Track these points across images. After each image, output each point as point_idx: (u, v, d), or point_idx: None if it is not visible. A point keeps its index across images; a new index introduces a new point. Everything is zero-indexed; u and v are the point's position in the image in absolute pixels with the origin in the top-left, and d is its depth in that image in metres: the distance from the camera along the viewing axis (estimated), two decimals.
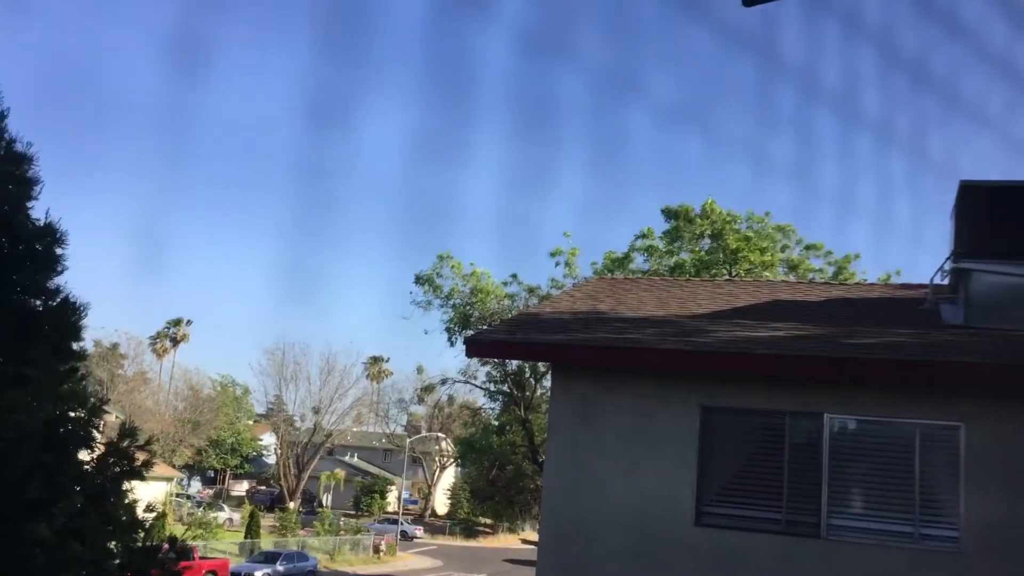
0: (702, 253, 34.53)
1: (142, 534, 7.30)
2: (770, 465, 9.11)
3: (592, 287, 14.07)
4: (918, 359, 8.84)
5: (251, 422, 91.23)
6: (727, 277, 29.25)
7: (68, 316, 6.92)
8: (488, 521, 77.63)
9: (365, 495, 78.94)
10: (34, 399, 6.41)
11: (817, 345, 9.62)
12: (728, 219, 34.38)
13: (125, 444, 7.12)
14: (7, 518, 5.93)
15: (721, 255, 33.60)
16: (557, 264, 38.98)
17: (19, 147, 6.69)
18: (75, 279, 7.11)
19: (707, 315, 11.21)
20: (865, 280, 32.87)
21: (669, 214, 35.80)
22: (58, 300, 6.81)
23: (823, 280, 30.91)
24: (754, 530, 8.96)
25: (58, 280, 6.87)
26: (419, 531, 70.70)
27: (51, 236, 6.74)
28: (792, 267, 34.48)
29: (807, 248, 35.82)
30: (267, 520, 59.28)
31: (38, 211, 6.79)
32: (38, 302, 6.85)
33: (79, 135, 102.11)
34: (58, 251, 6.79)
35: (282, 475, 75.78)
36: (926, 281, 11.77)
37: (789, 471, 8.97)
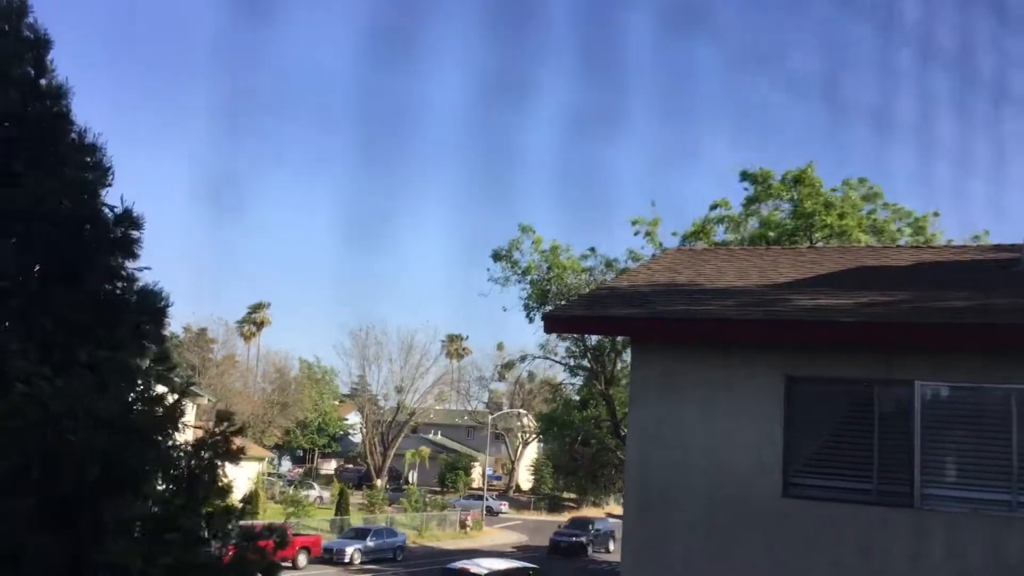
0: (781, 218, 33.65)
1: (236, 519, 7.45)
2: (859, 434, 8.92)
3: (670, 259, 13.92)
4: (1013, 323, 8.53)
5: (337, 402, 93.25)
6: (809, 245, 28.55)
7: (151, 301, 7.06)
8: (573, 496, 77.95)
9: (450, 472, 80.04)
10: (116, 383, 6.54)
11: (906, 311, 9.36)
12: (810, 183, 33.34)
13: (221, 429, 7.29)
14: (83, 498, 6.10)
15: (800, 221, 32.74)
16: (636, 233, 38.58)
17: (89, 137, 6.89)
18: (162, 264, 7.28)
19: (790, 284, 10.99)
20: (952, 242, 31.76)
21: (747, 177, 34.87)
22: (139, 285, 6.98)
23: (910, 244, 29.94)
24: (844, 500, 8.80)
25: (138, 264, 7.02)
26: (504, 506, 71.43)
27: (129, 221, 6.91)
28: (878, 231, 33.27)
29: (884, 207, 34.43)
30: (355, 497, 60.58)
31: (112, 198, 6.96)
32: (120, 286, 7.01)
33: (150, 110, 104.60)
34: (135, 235, 6.95)
35: (368, 453, 77.34)
36: (1020, 241, 11.32)
37: (879, 440, 8.77)
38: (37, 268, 6.31)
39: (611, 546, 48.41)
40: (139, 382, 6.87)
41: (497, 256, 41.57)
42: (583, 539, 47.94)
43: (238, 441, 7.42)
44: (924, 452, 8.55)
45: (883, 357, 8.83)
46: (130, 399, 6.70)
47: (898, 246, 22.89)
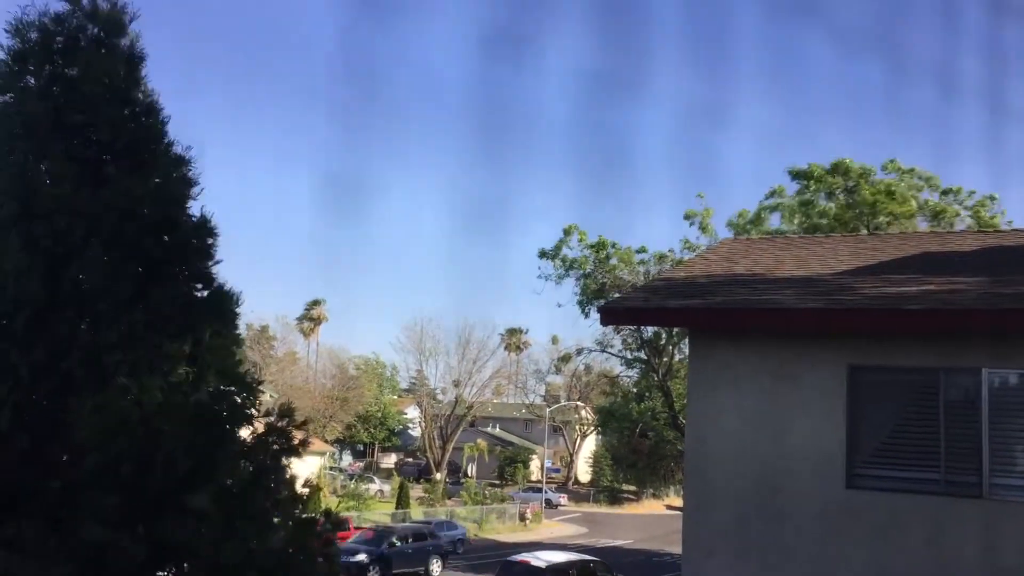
0: (839, 206, 32.95)
1: (301, 508, 7.67)
2: (925, 424, 8.75)
3: (727, 249, 13.79)
4: None
5: (396, 397, 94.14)
6: (867, 232, 27.97)
7: (225, 303, 7.33)
8: (632, 488, 77.71)
9: (508, 465, 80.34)
10: (197, 378, 6.81)
11: (972, 297, 9.15)
12: (862, 172, 32.61)
13: (284, 423, 7.47)
14: (170, 490, 6.30)
15: (857, 210, 32.03)
16: (691, 225, 38.35)
17: (178, 149, 7.15)
18: (230, 264, 7.57)
19: (850, 272, 10.81)
20: (1012, 223, 30.80)
21: (796, 175, 34.18)
22: (214, 287, 7.22)
23: (975, 229, 29.16)
24: (911, 491, 8.65)
25: (214, 269, 7.30)
26: (563, 499, 71.47)
27: (206, 230, 7.22)
28: (935, 215, 32.41)
29: (943, 194, 33.38)
30: (415, 491, 61.16)
31: (195, 209, 7.26)
32: (198, 287, 7.28)
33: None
34: (211, 242, 7.24)
35: (427, 447, 77.98)
36: None
37: (946, 429, 8.60)
38: (126, 270, 6.55)
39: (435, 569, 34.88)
40: (219, 376, 7.08)
41: (544, 254, 41.67)
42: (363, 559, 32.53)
43: (300, 435, 7.60)
44: (992, 441, 8.36)
45: (949, 344, 8.65)
46: (214, 393, 6.92)
47: (962, 231, 22.31)
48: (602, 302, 37.35)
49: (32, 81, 6.75)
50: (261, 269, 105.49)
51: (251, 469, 7.22)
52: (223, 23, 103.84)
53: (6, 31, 6.72)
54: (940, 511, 8.48)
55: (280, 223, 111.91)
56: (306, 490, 7.94)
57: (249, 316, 75.59)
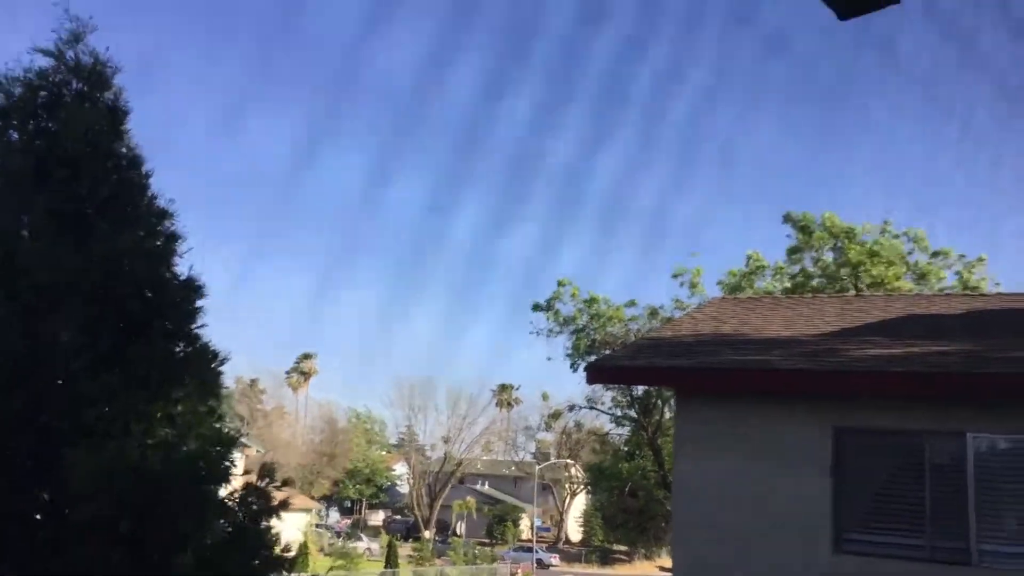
0: (826, 266, 33.18)
1: (284, 571, 7.55)
2: (910, 488, 8.67)
3: (714, 308, 13.81)
4: None
5: (384, 452, 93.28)
6: (855, 292, 28.08)
7: (208, 362, 7.29)
8: (623, 548, 76.68)
9: (498, 523, 79.32)
10: (179, 438, 6.76)
11: (957, 361, 9.15)
12: (847, 233, 32.84)
13: (264, 483, 7.39)
14: (157, 549, 6.23)
15: (844, 270, 32.23)
16: (681, 284, 38.52)
17: (160, 202, 7.15)
18: (218, 317, 7.55)
19: (836, 333, 10.83)
20: (1000, 287, 30.90)
21: (790, 221, 34.40)
22: (197, 346, 7.18)
23: (959, 291, 29.28)
24: (898, 557, 8.53)
25: (201, 329, 7.27)
26: (554, 559, 70.38)
27: (192, 289, 7.21)
28: (920, 276, 32.56)
29: (934, 255, 33.65)
30: (403, 549, 60.25)
31: (183, 264, 7.25)
32: (181, 348, 7.24)
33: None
34: (198, 303, 7.22)
35: (415, 504, 77.03)
36: None
37: (931, 494, 8.51)
38: (105, 328, 6.51)
39: None
40: (200, 437, 7.03)
41: (537, 307, 41.77)
42: None
43: (281, 495, 7.52)
44: (980, 507, 8.27)
45: (933, 408, 8.62)
46: (196, 453, 6.87)
47: (947, 294, 22.41)
48: (592, 358, 37.32)
49: (15, 136, 6.78)
50: (252, 321, 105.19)
51: (229, 529, 7.13)
52: (205, 70, 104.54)
53: None
54: None
55: (274, 276, 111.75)
56: (288, 553, 7.82)
57: (240, 368, 75.44)
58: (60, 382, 6.29)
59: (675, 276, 38.39)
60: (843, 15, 2.53)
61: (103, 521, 5.95)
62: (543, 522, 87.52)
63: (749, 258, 35.29)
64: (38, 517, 6.11)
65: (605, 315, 40.68)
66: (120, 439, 6.07)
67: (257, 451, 50.41)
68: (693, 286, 38.07)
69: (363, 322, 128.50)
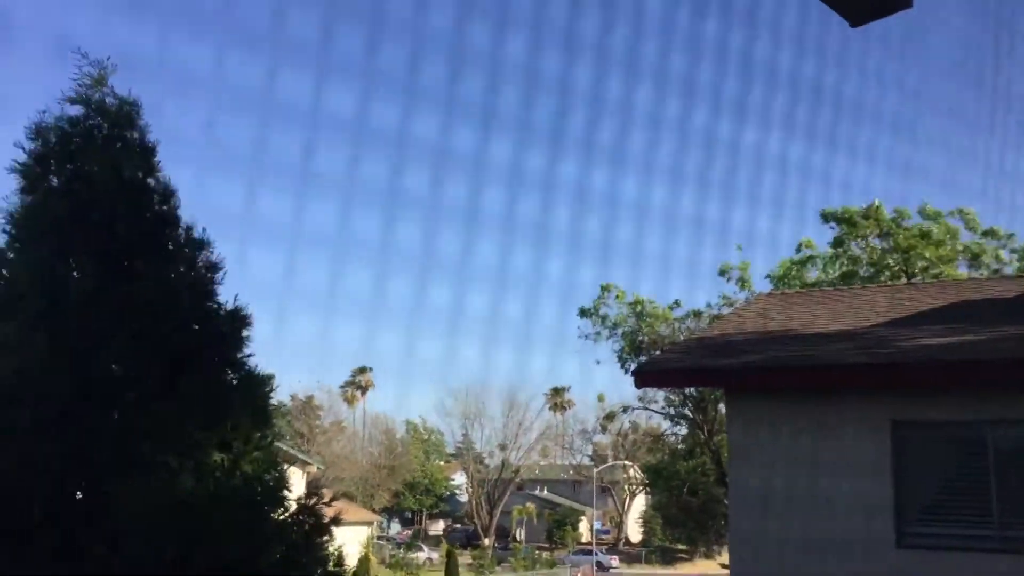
0: (874, 253, 32.39)
1: None
2: (974, 478, 8.43)
3: (761, 304, 13.59)
4: None
5: (442, 463, 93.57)
6: (906, 281, 27.42)
7: (258, 387, 7.35)
8: (684, 547, 75.97)
9: (557, 527, 79.08)
10: (233, 464, 6.81)
11: (1015, 346, 8.86)
12: (896, 216, 32.05)
13: (313, 503, 7.41)
14: (214, 572, 6.27)
15: (893, 257, 31.45)
16: (728, 280, 38.04)
17: (196, 233, 7.22)
18: (268, 338, 7.59)
19: (888, 324, 10.57)
20: None
21: (830, 218, 33.72)
22: (246, 372, 7.24)
23: (1017, 270, 28.46)
24: (965, 549, 8.29)
25: (248, 357, 7.34)
26: (615, 560, 69.94)
27: (237, 318, 7.28)
28: (974, 256, 31.54)
29: (984, 235, 32.37)
30: (464, 557, 60.30)
31: (227, 292, 7.33)
32: (230, 375, 7.31)
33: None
34: (244, 333, 7.30)
35: (475, 513, 77.10)
36: None
37: (997, 484, 8.26)
38: (154, 362, 6.59)
39: None
40: (253, 462, 7.09)
41: (584, 313, 41.63)
42: None
43: (331, 511, 7.55)
44: None
45: (994, 396, 8.36)
46: (249, 477, 6.92)
47: (1001, 277, 21.79)
48: (641, 359, 37.07)
49: (55, 181, 6.92)
50: (304, 339, 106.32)
51: (284, 549, 7.16)
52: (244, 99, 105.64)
53: (28, 137, 6.94)
54: (997, 570, 8.10)
55: (326, 293, 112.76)
56: (343, 567, 7.85)
57: (295, 387, 76.25)
58: (116, 416, 6.37)
59: (721, 273, 37.98)
60: (854, 22, 2.45)
61: (155, 554, 5.99)
62: (603, 524, 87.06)
63: (800, 246, 34.60)
64: (95, 553, 6.16)
65: (652, 316, 40.39)
66: (173, 470, 6.13)
67: (317, 468, 50.87)
68: (741, 282, 37.58)
69: (415, 333, 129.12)
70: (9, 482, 5.86)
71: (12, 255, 6.77)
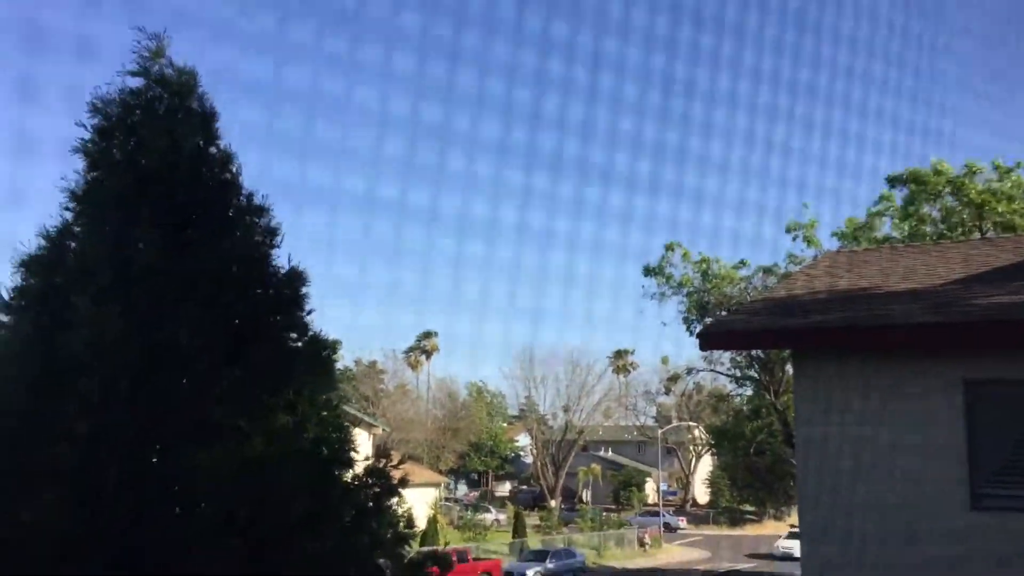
0: (945, 210, 31.43)
1: (410, 547, 7.74)
2: None
3: (829, 262, 13.34)
4: None
5: (506, 424, 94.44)
6: (980, 237, 26.61)
7: (320, 350, 7.48)
8: (752, 508, 75.71)
9: (623, 489, 79.40)
10: (299, 425, 6.97)
11: None
12: (967, 172, 31.02)
13: (382, 464, 7.54)
14: (281, 533, 6.44)
15: (965, 214, 30.49)
16: (795, 238, 37.39)
17: (256, 199, 7.35)
18: (332, 303, 7.72)
19: (962, 281, 10.30)
20: None
21: (896, 181, 32.81)
22: (309, 336, 7.37)
23: None
24: None
25: (308, 318, 7.47)
26: (682, 522, 70.10)
27: (297, 280, 7.38)
28: None
29: None
30: (530, 519, 60.98)
31: (283, 254, 7.45)
32: (295, 339, 7.45)
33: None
34: (303, 292, 7.40)
35: (540, 474, 77.77)
36: None
37: None
38: (220, 329, 6.74)
39: None
40: (320, 423, 7.24)
41: (648, 272, 41.23)
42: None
43: (399, 473, 7.66)
44: None
45: None
46: (316, 438, 7.08)
47: None
48: (707, 320, 36.75)
49: (118, 155, 7.06)
50: (367, 304, 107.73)
51: (354, 512, 7.31)
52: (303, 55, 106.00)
53: (88, 111, 7.07)
54: None
55: (391, 258, 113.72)
56: (412, 529, 8.01)
57: (358, 352, 77.48)
58: (185, 382, 6.57)
59: (788, 231, 37.33)
60: None
61: (229, 515, 6.18)
62: (669, 486, 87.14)
63: (881, 198, 33.74)
64: (166, 520, 6.37)
65: (718, 276, 39.90)
66: (243, 434, 6.31)
67: (384, 430, 51.78)
68: (808, 240, 36.90)
69: (479, 297, 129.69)
70: (84, 450, 6.09)
71: (79, 229, 6.95)
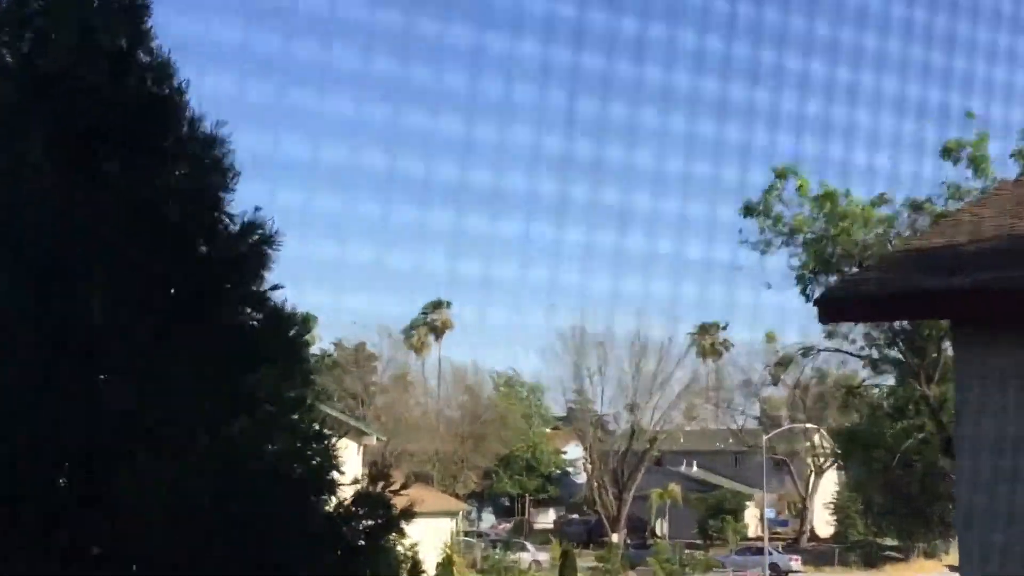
0: None
1: None
2: None
3: (1006, 196, 13.20)
4: None
5: (548, 430, 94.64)
6: None
7: (287, 329, 7.53)
8: (894, 543, 75.77)
9: (713, 517, 79.72)
10: (260, 433, 7.05)
11: None
12: None
13: (378, 488, 7.63)
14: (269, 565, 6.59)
15: None
16: (956, 162, 36.83)
17: (206, 125, 7.36)
18: (310, 271, 7.77)
19: None
20: None
21: None
22: (271, 311, 7.43)
23: None
24: None
25: (273, 291, 7.51)
26: (795, 562, 70.33)
27: (258, 235, 7.38)
28: None
29: None
30: (584, 559, 61.50)
31: (236, 206, 7.45)
32: (250, 313, 7.51)
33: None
34: (267, 251, 7.43)
35: (597, 498, 78.21)
36: None
37: None
38: (145, 301, 6.80)
39: None
40: (290, 433, 7.34)
41: (750, 211, 40.51)
42: None
43: (400, 500, 7.76)
44: None
45: None
46: (284, 453, 7.18)
47: None
48: (832, 279, 36.50)
49: (8, 56, 7.10)
50: (353, 274, 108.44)
51: (338, 554, 7.42)
52: None
53: None
54: None
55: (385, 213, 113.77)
56: (421, 574, 8.12)
57: (344, 332, 77.73)
58: (101, 379, 6.65)
59: (946, 153, 36.71)
60: None
61: (163, 556, 6.28)
62: (777, 512, 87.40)
63: None
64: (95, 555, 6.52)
65: (847, 216, 39.26)
66: (180, 446, 6.37)
67: (378, 439, 52.14)
68: (975, 164, 36.33)
69: (505, 259, 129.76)
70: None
71: None
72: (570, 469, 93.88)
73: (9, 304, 6.18)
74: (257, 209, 7.44)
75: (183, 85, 7.37)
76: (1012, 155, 35.09)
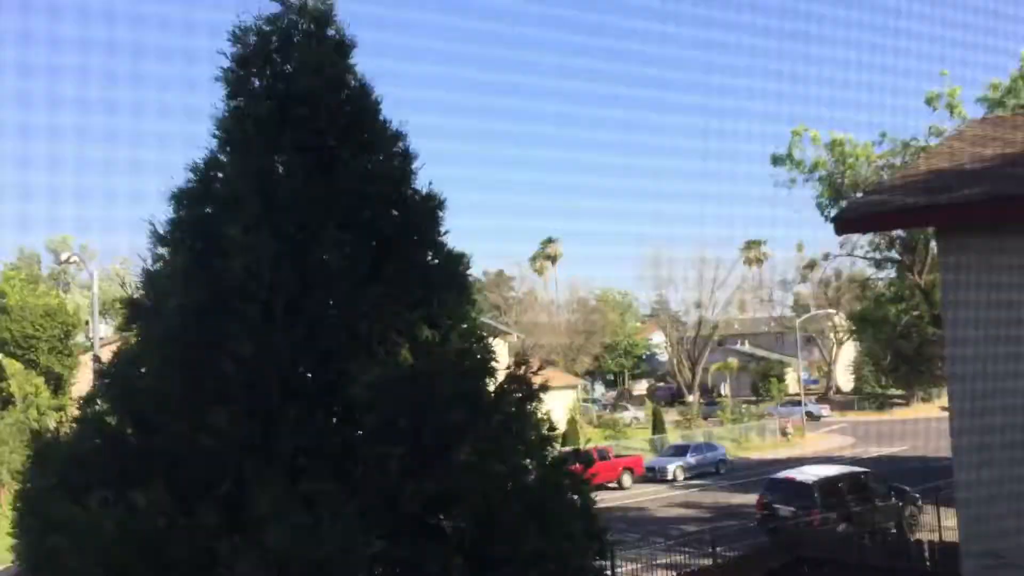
0: None
1: (553, 447, 8.05)
2: None
3: (974, 132, 12.63)
4: None
5: (638, 324, 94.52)
6: None
7: (456, 264, 7.79)
8: (899, 392, 73.98)
9: (762, 380, 78.81)
10: (444, 339, 7.29)
11: None
12: None
13: (522, 371, 7.82)
14: (439, 442, 6.81)
15: None
16: (935, 109, 35.20)
17: (393, 125, 7.68)
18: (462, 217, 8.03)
19: None
20: None
21: None
22: (445, 252, 7.68)
23: None
24: None
25: (444, 238, 7.82)
26: (825, 409, 69.25)
27: (433, 201, 7.73)
28: None
29: None
30: (669, 415, 61.47)
31: (421, 181, 7.78)
32: (432, 256, 7.76)
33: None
34: (439, 213, 7.75)
35: (676, 371, 77.95)
36: None
37: None
38: (361, 248, 7.08)
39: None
40: (462, 335, 7.56)
41: (776, 160, 39.70)
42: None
43: (539, 378, 7.92)
44: None
45: None
46: (461, 350, 7.40)
47: None
48: (843, 203, 35.43)
49: (257, 82, 7.36)
50: (489, 214, 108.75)
51: (499, 418, 7.62)
52: None
53: (228, 40, 7.36)
54: None
55: (506, 167, 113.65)
56: (555, 431, 8.32)
57: (482, 260, 78.56)
58: (331, 303, 6.94)
59: (928, 102, 35.11)
60: None
61: (390, 424, 6.56)
62: (810, 375, 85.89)
63: None
64: (328, 428, 6.80)
65: (852, 155, 38.03)
66: (390, 347, 6.65)
67: (517, 337, 52.75)
68: (951, 109, 34.67)
69: (601, 196, 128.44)
70: (249, 369, 6.56)
71: (224, 159, 7.33)
72: (656, 351, 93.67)
73: (272, 255, 6.52)
74: (430, 184, 7.75)
75: (378, 98, 7.61)
76: (978, 100, 33.44)
